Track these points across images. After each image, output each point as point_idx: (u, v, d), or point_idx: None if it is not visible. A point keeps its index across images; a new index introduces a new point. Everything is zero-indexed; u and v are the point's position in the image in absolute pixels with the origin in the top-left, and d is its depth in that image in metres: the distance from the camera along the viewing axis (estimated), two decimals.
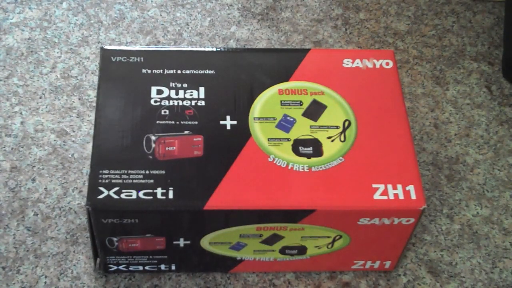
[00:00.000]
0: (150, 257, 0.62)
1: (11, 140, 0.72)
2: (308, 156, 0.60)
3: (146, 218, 0.58)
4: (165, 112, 0.62)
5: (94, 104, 0.76)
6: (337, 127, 0.62)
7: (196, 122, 0.62)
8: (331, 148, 0.61)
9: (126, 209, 0.57)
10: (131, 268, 0.64)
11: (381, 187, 0.59)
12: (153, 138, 0.60)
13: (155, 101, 0.63)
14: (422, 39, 0.85)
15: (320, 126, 0.62)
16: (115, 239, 0.60)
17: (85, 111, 0.75)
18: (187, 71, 0.65)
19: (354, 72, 0.66)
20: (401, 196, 0.59)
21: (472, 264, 0.68)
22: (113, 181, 0.58)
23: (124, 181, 0.58)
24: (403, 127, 0.63)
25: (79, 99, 0.76)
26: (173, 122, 0.61)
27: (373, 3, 0.88)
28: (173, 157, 0.59)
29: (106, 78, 0.64)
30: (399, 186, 0.59)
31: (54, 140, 0.73)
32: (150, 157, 0.59)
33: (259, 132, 0.61)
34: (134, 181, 0.58)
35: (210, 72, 0.65)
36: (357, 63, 0.67)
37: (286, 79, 0.65)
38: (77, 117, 0.75)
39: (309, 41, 0.84)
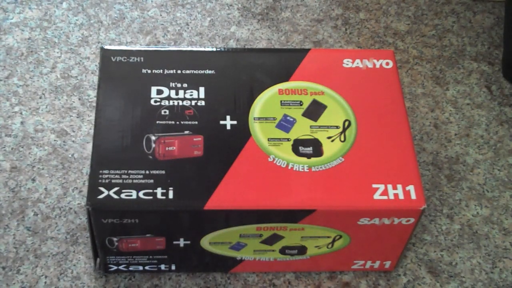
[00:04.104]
0: (150, 257, 0.62)
1: (11, 140, 0.72)
2: (308, 156, 0.60)
3: (146, 218, 0.58)
4: (165, 112, 0.62)
5: (94, 104, 0.76)
6: (337, 127, 0.62)
7: (196, 122, 0.62)
8: (331, 148, 0.61)
9: (126, 209, 0.57)
10: (131, 268, 0.64)
11: (381, 187, 0.59)
12: (153, 138, 0.60)
13: (155, 101, 0.63)
14: (422, 39, 0.85)
15: (320, 126, 0.62)
16: (115, 239, 0.60)
17: (85, 111, 0.75)
18: (187, 71, 0.65)
19: (354, 72, 0.66)
20: (401, 196, 0.59)
21: (472, 264, 0.68)
22: (113, 181, 0.58)
23: (124, 181, 0.58)
24: (403, 127, 0.63)
25: (79, 99, 0.76)
26: (173, 122, 0.61)
27: (373, 3, 0.88)
28: (173, 157, 0.59)
29: (106, 78, 0.64)
30: (399, 186, 0.59)
31: (54, 140, 0.73)
32: (150, 157, 0.59)
33: (259, 132, 0.61)
34: (134, 181, 0.58)
35: (210, 72, 0.65)
36: (357, 63, 0.67)
37: (286, 79, 0.65)
38: (77, 117, 0.75)
39: (309, 41, 0.84)
